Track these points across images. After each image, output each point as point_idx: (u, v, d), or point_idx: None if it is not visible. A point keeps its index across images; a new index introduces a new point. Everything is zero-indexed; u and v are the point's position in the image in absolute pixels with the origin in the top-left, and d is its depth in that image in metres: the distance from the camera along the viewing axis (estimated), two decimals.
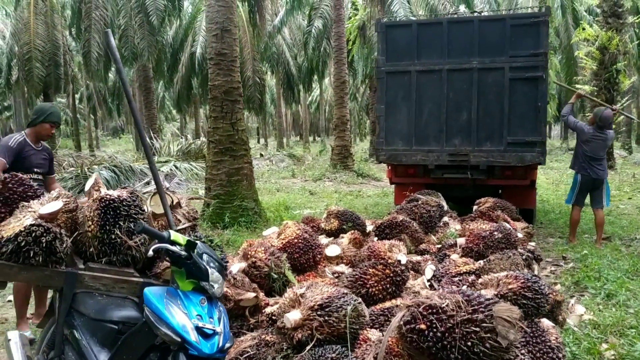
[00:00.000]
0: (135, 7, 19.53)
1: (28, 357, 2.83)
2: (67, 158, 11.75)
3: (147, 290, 2.24)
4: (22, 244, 2.46)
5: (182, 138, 15.72)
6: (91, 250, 2.75)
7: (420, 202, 6.08)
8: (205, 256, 2.32)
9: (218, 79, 7.48)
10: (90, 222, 2.74)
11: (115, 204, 2.77)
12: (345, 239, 5.24)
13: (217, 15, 7.34)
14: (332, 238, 5.34)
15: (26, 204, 2.72)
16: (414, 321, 2.63)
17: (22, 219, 2.56)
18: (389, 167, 8.24)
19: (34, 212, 2.63)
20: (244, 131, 7.68)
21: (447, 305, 2.60)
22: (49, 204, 2.67)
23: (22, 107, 39.62)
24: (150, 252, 2.27)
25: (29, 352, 2.89)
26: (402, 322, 2.68)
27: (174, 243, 2.23)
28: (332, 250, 4.81)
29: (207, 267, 2.27)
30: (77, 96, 39.70)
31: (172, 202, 3.22)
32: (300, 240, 4.43)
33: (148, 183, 11.79)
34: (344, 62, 16.39)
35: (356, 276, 3.66)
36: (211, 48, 7.56)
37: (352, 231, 5.41)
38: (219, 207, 7.26)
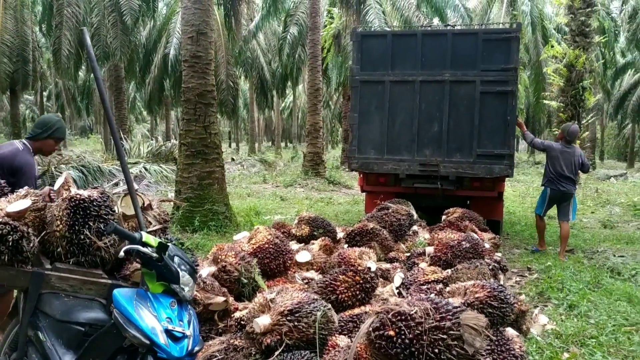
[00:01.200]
0: (109, 6, 19.26)
1: None
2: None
3: (117, 292, 2.22)
4: None
5: (152, 140, 15.52)
6: (59, 250, 2.70)
7: (390, 210, 6.15)
8: (176, 259, 2.31)
9: (192, 82, 7.43)
10: (58, 222, 2.70)
11: (85, 204, 2.72)
12: (315, 245, 5.26)
13: (193, 18, 7.31)
14: (302, 244, 5.35)
15: None
16: (383, 328, 2.66)
17: None
18: (361, 175, 8.29)
19: (1, 210, 2.57)
20: (216, 134, 7.64)
21: (415, 313, 2.64)
22: (16, 202, 2.62)
23: None
24: (122, 253, 2.24)
25: None
26: (371, 329, 2.71)
27: (145, 244, 2.21)
28: (303, 257, 4.82)
29: (179, 269, 2.25)
30: (45, 94, 38.90)
31: (143, 203, 3.19)
32: (271, 246, 4.43)
33: (117, 184, 11.61)
34: (319, 70, 16.46)
35: (326, 282, 3.67)
36: (186, 50, 7.51)
37: (323, 238, 5.43)
38: (189, 210, 7.20)
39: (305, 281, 4.51)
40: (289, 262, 4.54)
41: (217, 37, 27.34)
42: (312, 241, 5.44)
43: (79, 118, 51.74)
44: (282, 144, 50.35)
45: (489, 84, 7.34)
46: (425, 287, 4.22)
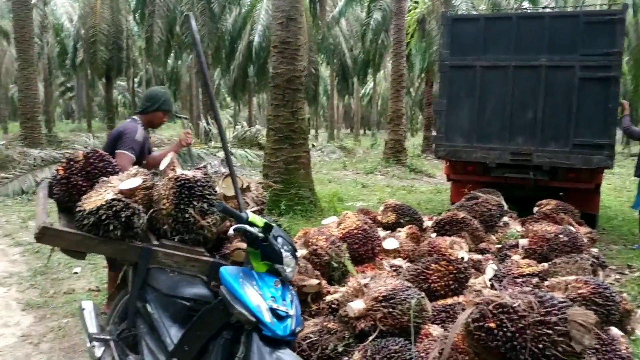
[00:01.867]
0: None
1: (100, 326, 2.94)
2: None
3: (223, 270, 2.28)
4: (103, 217, 2.54)
5: (238, 125, 15.89)
6: (165, 227, 2.82)
7: (480, 200, 5.97)
8: (280, 239, 2.34)
9: (281, 67, 7.52)
10: (165, 200, 2.81)
11: (190, 184, 2.82)
12: (402, 233, 5.20)
13: (283, 4, 7.38)
14: (389, 231, 5.31)
15: (106, 179, 2.81)
16: (483, 319, 2.58)
17: (102, 194, 2.65)
18: (447, 164, 8.11)
19: (114, 187, 2.71)
20: (303, 120, 7.71)
21: (518, 305, 2.54)
22: (128, 180, 2.75)
23: (84, 89, 41.06)
24: (231, 231, 2.30)
25: (101, 321, 3.00)
26: (470, 319, 2.64)
27: (251, 224, 2.26)
28: (390, 244, 4.78)
29: (282, 249, 2.28)
30: (136, 80, 40.79)
31: (242, 185, 3.26)
32: (360, 231, 4.42)
33: (205, 167, 11.97)
34: (403, 56, 16.20)
35: (418, 270, 3.62)
36: (276, 36, 7.61)
37: (410, 226, 5.36)
38: (275, 194, 7.32)
39: (393, 268, 4.47)
40: (377, 248, 4.51)
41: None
42: (398, 229, 5.38)
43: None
44: (361, 131, 50.14)
45: (589, 70, 6.92)
46: (520, 280, 4.07)
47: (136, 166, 3.01)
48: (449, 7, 20.67)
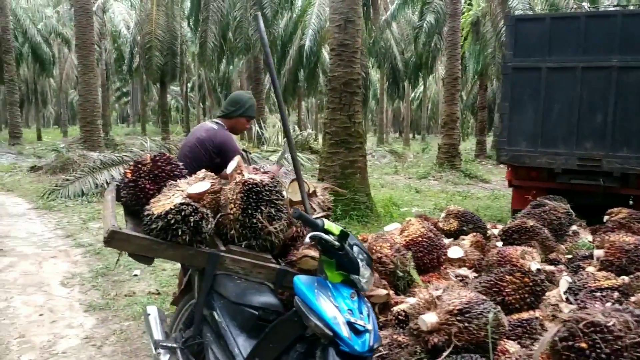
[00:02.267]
0: (251, 0, 20.05)
1: (165, 333, 2.89)
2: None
3: (298, 279, 2.16)
4: (172, 221, 2.48)
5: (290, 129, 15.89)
6: (232, 232, 2.74)
7: (547, 207, 5.69)
8: (355, 248, 2.21)
9: (338, 70, 7.42)
10: (232, 205, 2.73)
11: (258, 189, 2.74)
12: (466, 241, 4.99)
13: (342, 6, 7.28)
14: (451, 239, 5.11)
15: (174, 182, 2.76)
16: (573, 338, 2.38)
17: (171, 197, 2.59)
18: (509, 169, 7.80)
19: (182, 191, 2.65)
20: (360, 124, 7.59)
21: (613, 325, 2.33)
22: (196, 184, 2.69)
23: (139, 94, 42.25)
24: (307, 240, 2.18)
25: (166, 327, 2.95)
26: (557, 338, 2.44)
27: (327, 232, 2.14)
28: (455, 252, 4.58)
29: (357, 259, 2.15)
30: (189, 85, 41.68)
31: (309, 190, 3.16)
32: (424, 239, 4.25)
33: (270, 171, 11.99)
34: (458, 58, 15.85)
35: (491, 282, 3.42)
36: (333, 39, 7.52)
37: (474, 234, 5.15)
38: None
39: (459, 278, 4.28)
40: (443, 257, 4.33)
41: None
42: (461, 236, 5.18)
43: (218, 107, 54.68)
44: (410, 136, 49.58)
45: None
46: (598, 294, 3.80)
47: (203, 170, 2.94)
48: (505, 8, 20.16)
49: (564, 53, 7.08)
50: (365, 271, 2.18)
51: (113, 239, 2.47)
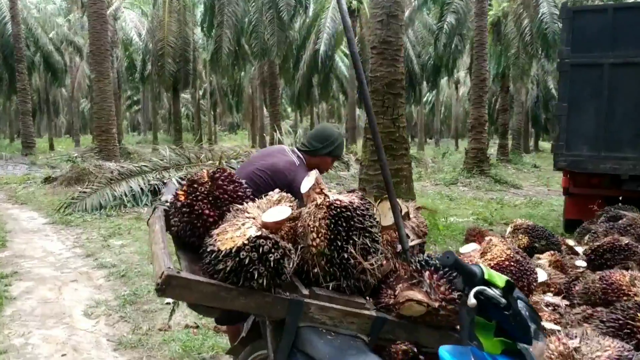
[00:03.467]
0: (267, 2, 19.51)
1: None
2: (204, 151, 11.72)
3: (445, 351, 1.53)
4: (246, 261, 1.86)
5: None
6: (315, 271, 2.12)
7: (628, 220, 5.04)
8: (520, 303, 1.58)
9: (380, 70, 6.80)
10: (314, 235, 2.11)
11: (348, 213, 2.12)
12: (544, 260, 4.37)
13: (384, 0, 6.67)
14: None
15: (240, 207, 2.15)
16: None
17: (241, 228, 1.97)
18: (566, 176, 7.15)
19: (255, 219, 2.03)
20: (404, 128, 6.96)
21: None
22: (272, 210, 2.07)
23: (150, 102, 41.93)
24: (473, 301, 1.54)
25: None
26: None
27: (488, 283, 1.52)
28: (539, 276, 3.95)
29: (527, 320, 1.53)
30: (200, 92, 41.24)
31: (401, 211, 2.53)
32: (512, 263, 3.58)
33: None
34: (485, 59, 15.20)
35: (620, 322, 2.78)
36: (375, 35, 6.90)
37: (552, 252, 4.52)
38: None
39: (550, 308, 3.65)
40: (534, 284, 3.69)
41: (366, 30, 27.02)
42: (536, 255, 4.55)
43: (230, 114, 54.46)
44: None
45: None
46: None
47: (277, 189, 2.33)
48: (529, 7, 19.50)
49: (629, 47, 6.44)
50: (537, 339, 1.55)
51: (169, 285, 1.85)
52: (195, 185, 2.19)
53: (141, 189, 9.99)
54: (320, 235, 2.11)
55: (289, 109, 50.86)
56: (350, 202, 2.17)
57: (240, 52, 24.79)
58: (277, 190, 2.31)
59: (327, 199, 2.17)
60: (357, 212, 2.15)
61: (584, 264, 4.40)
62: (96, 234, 7.73)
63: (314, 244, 2.12)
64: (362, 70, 2.42)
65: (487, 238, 4.08)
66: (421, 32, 29.12)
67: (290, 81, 30.77)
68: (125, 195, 9.73)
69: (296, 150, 3.16)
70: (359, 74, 2.41)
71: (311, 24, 27.35)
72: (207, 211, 2.15)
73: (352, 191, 2.38)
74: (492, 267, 3.59)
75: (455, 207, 10.70)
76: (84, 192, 9.75)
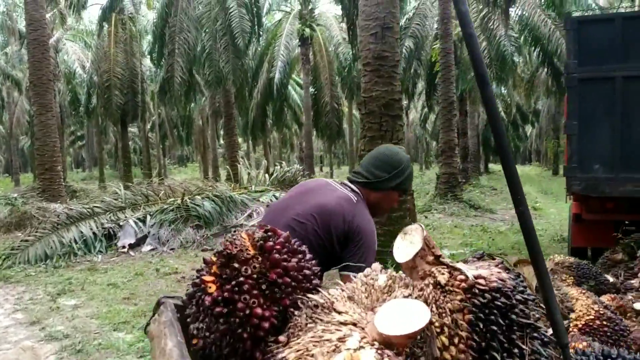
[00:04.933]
0: (221, 29, 18.66)
1: None
2: (162, 188, 10.62)
3: None
4: None
5: (277, 165, 14.41)
6: None
7: None
8: None
9: (376, 89, 5.99)
10: (447, 340, 1.22)
11: (504, 301, 1.24)
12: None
13: (377, 10, 5.90)
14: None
15: (316, 299, 1.23)
16: None
17: (342, 346, 1.05)
18: (575, 200, 6.52)
19: (356, 324, 1.12)
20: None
21: None
22: (389, 308, 1.15)
23: (95, 137, 40.16)
24: None
25: None
26: None
27: None
28: None
29: None
30: (148, 125, 39.77)
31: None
32: (605, 322, 2.77)
33: (250, 216, 10.45)
34: (452, 81, 14.80)
35: None
36: (367, 51, 6.10)
37: (611, 295, 3.76)
38: (378, 251, 5.70)
39: None
40: (633, 347, 2.89)
41: (320, 58, 26.58)
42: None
43: (181, 147, 53.10)
44: None
45: None
46: None
47: (379, 264, 1.42)
48: (486, 30, 19.44)
49: None
50: None
51: None
52: (235, 264, 1.25)
53: (94, 233, 8.81)
54: (458, 341, 1.22)
55: (240, 139, 49.84)
56: (501, 280, 1.29)
57: (192, 81, 23.79)
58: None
59: (460, 275, 1.29)
60: (516, 297, 1.27)
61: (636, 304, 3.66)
62: (42, 291, 6.52)
63: (449, 356, 1.22)
64: (482, 61, 1.59)
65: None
66: None
67: (245, 110, 29.88)
68: (76, 242, 8.52)
69: (348, 183, 2.25)
70: (479, 67, 1.56)
71: (263, 51, 26.73)
72: (259, 310, 1.21)
73: (481, 256, 1.51)
74: (580, 330, 2.77)
75: (440, 237, 9.95)
76: (26, 241, 8.47)
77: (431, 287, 1.32)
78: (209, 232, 9.20)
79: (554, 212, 15.45)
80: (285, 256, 1.29)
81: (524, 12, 20.36)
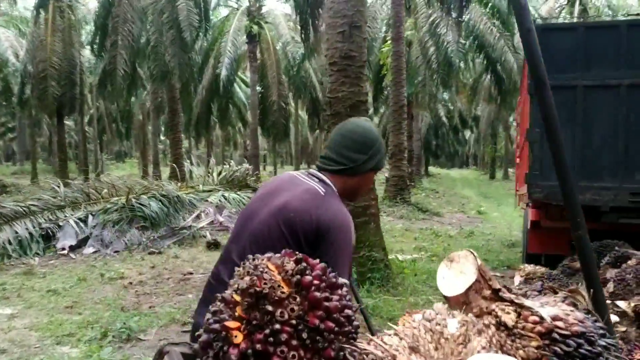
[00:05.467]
0: (167, 22, 18.00)
1: None
2: (105, 186, 10.00)
3: None
4: None
5: (226, 164, 13.98)
6: None
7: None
8: None
9: (342, 90, 5.75)
10: None
11: (584, 350, 1.04)
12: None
13: (345, 7, 5.65)
14: None
15: (376, 353, 0.99)
16: None
17: None
18: (534, 208, 6.53)
19: None
20: None
21: None
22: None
23: (28, 129, 38.16)
24: None
25: None
26: None
27: None
28: None
29: None
30: (85, 119, 38.16)
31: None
32: None
33: (198, 217, 10.04)
34: (403, 84, 14.79)
35: None
36: (334, 49, 5.85)
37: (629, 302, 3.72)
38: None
39: None
40: None
41: (267, 56, 26.20)
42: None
43: (120, 142, 51.40)
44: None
45: None
46: None
47: (442, 305, 1.18)
48: (434, 35, 19.64)
49: (604, 68, 5.96)
50: None
51: None
52: (268, 306, 0.99)
53: (30, 234, 8.17)
54: None
55: (182, 136, 48.70)
56: (581, 322, 1.09)
57: (135, 75, 22.91)
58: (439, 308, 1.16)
59: (533, 316, 1.08)
60: (600, 343, 1.08)
61: None
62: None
63: None
64: (541, 60, 1.41)
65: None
66: (323, 60, 28.81)
67: (188, 107, 29.11)
68: (10, 243, 7.86)
69: (316, 173, 1.95)
70: (537, 66, 1.38)
71: (209, 47, 26.13)
72: None
73: (543, 289, 1.31)
74: None
75: (393, 240, 9.88)
76: None
77: (493, 328, 1.11)
78: (156, 234, 8.73)
79: (497, 216, 15.78)
80: (325, 294, 1.04)
81: (471, 20, 20.75)
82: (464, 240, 10.28)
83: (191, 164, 14.06)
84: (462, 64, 20.57)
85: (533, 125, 6.18)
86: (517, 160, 11.05)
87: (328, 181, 1.90)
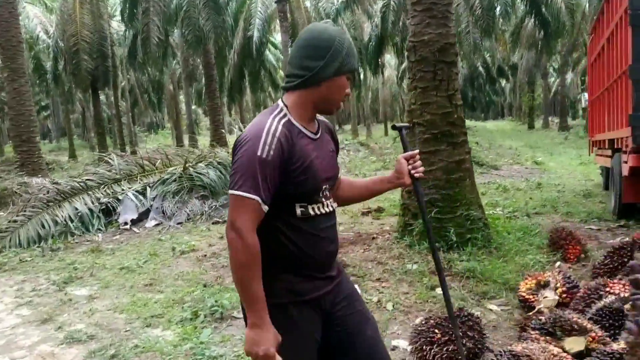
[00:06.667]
0: None
1: None
2: (159, 156, 9.69)
3: None
4: None
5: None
6: None
7: None
8: None
9: (428, 32, 5.16)
10: None
11: None
12: None
13: None
14: None
15: None
16: None
17: None
18: (635, 153, 5.93)
19: None
20: (462, 107, 5.37)
21: None
22: None
23: (62, 106, 38.33)
24: None
25: None
26: None
27: None
28: None
29: None
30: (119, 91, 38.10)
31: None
32: None
33: None
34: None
35: None
36: None
37: None
38: (436, 218, 5.04)
39: None
40: None
41: (298, 15, 25.34)
42: None
43: (153, 113, 51.47)
44: (348, 126, 47.87)
45: None
46: None
47: None
48: None
49: None
50: None
51: None
52: None
53: (90, 209, 7.93)
54: None
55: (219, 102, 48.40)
56: None
57: (167, 42, 22.47)
58: None
59: None
60: None
61: None
62: (45, 280, 5.71)
63: None
64: None
65: None
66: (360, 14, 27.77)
67: (221, 72, 28.62)
68: (72, 220, 7.65)
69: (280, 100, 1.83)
70: None
71: (239, 9, 25.41)
72: None
73: None
74: None
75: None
76: (15, 221, 7.57)
77: None
78: (217, 203, 8.40)
79: (555, 166, 15.08)
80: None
81: None
82: (534, 193, 9.71)
83: (229, 131, 13.65)
84: (507, 9, 19.39)
85: (635, 60, 5.53)
86: (590, 105, 10.31)
87: (280, 100, 1.81)
